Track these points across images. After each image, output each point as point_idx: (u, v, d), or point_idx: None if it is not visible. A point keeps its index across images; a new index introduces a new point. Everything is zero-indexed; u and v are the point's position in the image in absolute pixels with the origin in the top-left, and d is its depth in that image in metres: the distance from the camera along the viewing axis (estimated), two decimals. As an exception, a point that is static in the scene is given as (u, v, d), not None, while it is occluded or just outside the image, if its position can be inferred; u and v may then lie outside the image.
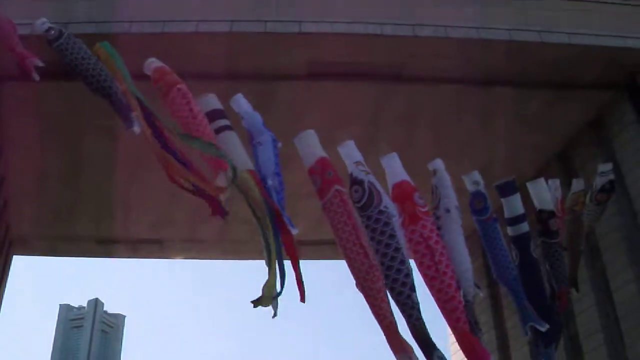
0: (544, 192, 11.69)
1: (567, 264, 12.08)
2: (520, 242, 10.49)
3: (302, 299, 7.84)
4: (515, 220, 10.68)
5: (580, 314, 19.25)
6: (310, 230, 23.27)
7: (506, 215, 10.63)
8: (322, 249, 24.37)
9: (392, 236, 8.01)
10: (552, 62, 17.84)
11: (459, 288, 8.80)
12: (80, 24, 16.46)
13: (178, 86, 9.47)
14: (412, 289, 7.93)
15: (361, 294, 7.89)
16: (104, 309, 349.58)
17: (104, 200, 23.21)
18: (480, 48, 17.29)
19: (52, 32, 11.18)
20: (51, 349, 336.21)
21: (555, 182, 13.50)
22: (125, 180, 21.31)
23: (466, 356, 8.15)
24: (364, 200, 8.20)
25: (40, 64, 11.70)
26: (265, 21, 16.61)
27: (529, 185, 11.58)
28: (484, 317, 25.09)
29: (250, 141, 9.52)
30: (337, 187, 8.18)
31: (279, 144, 9.48)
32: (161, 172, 9.68)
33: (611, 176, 13.97)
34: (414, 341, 7.79)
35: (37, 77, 11.60)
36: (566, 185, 13.92)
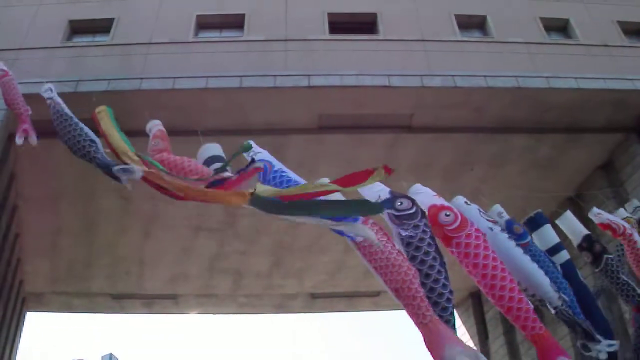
0: (575, 224, 11.60)
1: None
2: (566, 269, 10.27)
3: None
4: (555, 250, 10.50)
5: None
6: (323, 283, 23.25)
7: (542, 247, 10.45)
8: (335, 302, 24.32)
9: (431, 244, 8.07)
10: (560, 106, 17.90)
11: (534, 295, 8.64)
12: (91, 81, 16.73)
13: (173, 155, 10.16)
14: (449, 300, 7.84)
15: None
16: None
17: (118, 256, 23.28)
18: (488, 96, 17.38)
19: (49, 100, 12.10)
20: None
21: (594, 210, 13.19)
22: (139, 237, 21.37)
23: (542, 357, 7.96)
24: (413, 209, 8.27)
25: (34, 141, 12.49)
26: (275, 75, 16.78)
27: (558, 222, 11.47)
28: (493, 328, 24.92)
29: (265, 175, 9.65)
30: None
31: None
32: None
33: None
34: None
35: (33, 141, 12.37)
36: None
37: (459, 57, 18.26)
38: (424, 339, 7.34)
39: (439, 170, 19.58)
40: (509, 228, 10.29)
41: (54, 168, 17.30)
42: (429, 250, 8.03)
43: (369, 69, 17.20)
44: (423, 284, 7.79)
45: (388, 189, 8.72)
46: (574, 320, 8.88)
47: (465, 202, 9.85)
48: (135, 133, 12.59)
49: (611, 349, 9.30)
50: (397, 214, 8.30)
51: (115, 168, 9.73)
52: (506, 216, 10.79)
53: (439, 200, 9.06)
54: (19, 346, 25.70)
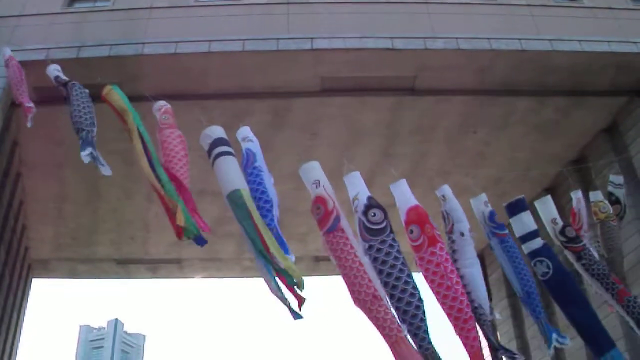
0: (551, 209, 11.77)
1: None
2: (544, 252, 10.61)
3: (299, 307, 8.25)
4: (532, 235, 10.81)
5: (603, 320, 19.01)
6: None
7: (520, 232, 10.81)
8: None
9: (397, 258, 8.49)
10: (564, 69, 17.83)
11: (475, 310, 9.11)
12: (93, 47, 16.69)
13: (179, 133, 10.77)
14: (418, 308, 8.33)
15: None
16: (124, 329, 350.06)
17: (123, 221, 23.38)
18: (492, 59, 17.31)
19: (60, 79, 12.58)
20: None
21: (577, 193, 13.57)
22: (143, 202, 21.43)
23: None
24: (383, 224, 8.62)
25: (29, 121, 12.90)
26: (277, 39, 16.72)
27: (537, 203, 11.67)
28: (505, 327, 25.00)
29: (246, 166, 10.02)
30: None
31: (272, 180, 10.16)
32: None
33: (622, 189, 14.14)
34: None
35: (29, 124, 12.87)
36: (583, 192, 13.93)
37: (462, 19, 18.17)
38: (393, 354, 7.95)
39: (442, 133, 19.58)
40: (491, 218, 10.80)
41: (57, 135, 17.32)
42: (395, 263, 8.43)
43: (372, 32, 17.12)
44: (391, 296, 8.31)
45: (368, 194, 8.98)
46: (496, 344, 9.33)
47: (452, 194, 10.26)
48: (138, 98, 12.62)
49: (562, 344, 10.11)
50: (368, 226, 8.65)
51: (85, 152, 11.19)
52: (490, 206, 11.07)
53: (412, 210, 9.27)
54: (26, 313, 25.93)
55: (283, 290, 8.50)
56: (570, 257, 11.62)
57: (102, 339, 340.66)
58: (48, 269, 26.70)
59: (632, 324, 11.36)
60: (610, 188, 14.95)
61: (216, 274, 28.10)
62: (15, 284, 23.26)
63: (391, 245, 8.51)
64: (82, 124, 11.59)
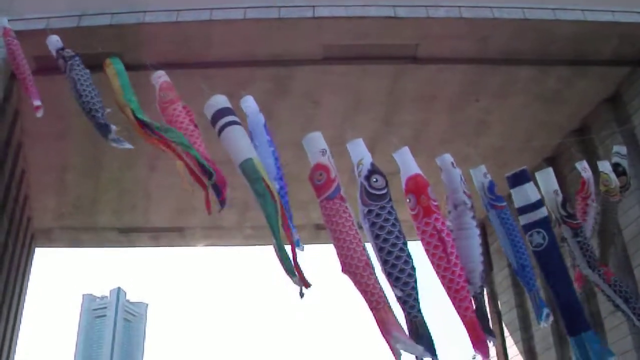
0: (553, 180, 11.76)
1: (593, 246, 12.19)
2: (541, 225, 10.66)
3: (306, 285, 8.29)
4: (534, 207, 10.84)
5: (612, 329, 19.09)
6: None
7: (522, 203, 10.85)
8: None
9: (395, 225, 8.59)
10: (567, 39, 17.75)
11: (468, 280, 9.28)
12: (94, 16, 16.62)
13: (183, 104, 10.74)
14: (410, 276, 8.42)
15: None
16: (127, 297, 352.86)
17: (125, 190, 23.44)
18: (494, 27, 17.24)
19: (61, 52, 12.52)
20: (76, 338, 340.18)
21: (583, 163, 13.51)
22: (145, 170, 21.48)
23: (473, 344, 8.65)
24: (384, 191, 8.75)
25: (39, 109, 12.91)
26: (279, 7, 16.64)
27: (537, 174, 11.67)
28: (505, 297, 25.17)
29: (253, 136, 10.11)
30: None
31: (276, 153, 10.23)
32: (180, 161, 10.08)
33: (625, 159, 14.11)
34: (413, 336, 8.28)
35: (40, 114, 12.86)
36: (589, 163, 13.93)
37: (465, -13, 18.05)
38: (377, 323, 8.09)
39: (444, 101, 19.57)
40: (490, 190, 10.81)
41: (59, 105, 17.27)
42: (393, 230, 8.53)
43: (374, 0, 17.03)
44: (385, 262, 8.42)
45: (371, 160, 9.07)
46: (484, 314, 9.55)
47: (452, 164, 10.28)
48: (138, 67, 12.61)
49: (544, 324, 10.29)
50: (370, 191, 8.78)
51: (111, 136, 11.17)
52: (489, 177, 11.11)
53: (411, 179, 9.35)
54: (29, 282, 26.12)
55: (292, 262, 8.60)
56: (567, 233, 11.60)
57: (105, 307, 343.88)
58: (51, 239, 26.83)
59: (619, 302, 11.47)
60: (616, 159, 14.85)
61: (218, 242, 28.21)
62: (19, 254, 23.37)
63: (390, 212, 8.62)
64: (95, 104, 11.54)
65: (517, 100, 19.59)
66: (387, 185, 8.83)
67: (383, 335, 8.04)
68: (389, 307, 8.17)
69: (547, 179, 11.66)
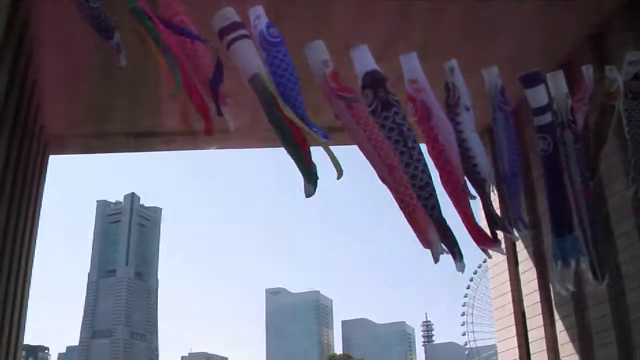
0: (563, 83, 11.71)
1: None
2: (550, 129, 10.82)
3: (339, 175, 8.30)
4: (543, 110, 10.94)
5: (612, 197, 19.23)
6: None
7: (532, 105, 10.96)
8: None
9: (410, 130, 8.96)
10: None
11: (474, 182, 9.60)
12: None
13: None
14: (430, 178, 8.89)
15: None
16: (141, 202, 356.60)
17: (137, 94, 23.34)
18: None
19: None
20: (91, 244, 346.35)
21: (589, 69, 13.37)
22: (157, 74, 21.37)
23: (475, 242, 9.22)
24: (396, 97, 8.89)
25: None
26: None
27: (549, 76, 11.61)
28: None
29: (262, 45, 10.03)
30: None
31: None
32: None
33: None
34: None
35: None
36: (599, 70, 13.80)
37: None
38: (409, 223, 8.49)
39: (458, 4, 19.29)
40: (502, 92, 10.90)
41: (68, 12, 17.09)
42: (410, 134, 8.90)
43: None
44: (407, 164, 8.77)
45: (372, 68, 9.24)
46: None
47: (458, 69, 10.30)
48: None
49: (517, 235, 10.60)
50: (385, 97, 9.02)
51: (113, 41, 10.85)
52: (501, 80, 11.22)
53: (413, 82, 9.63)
54: (44, 190, 26.47)
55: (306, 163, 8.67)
56: (568, 138, 11.68)
57: (119, 213, 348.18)
58: (64, 146, 27.05)
59: (585, 218, 11.68)
60: (629, 67, 14.68)
61: (231, 144, 28.15)
62: (33, 162, 23.64)
63: (404, 118, 8.91)
64: (98, 8, 11.35)
65: (532, 5, 19.29)
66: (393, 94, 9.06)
67: (419, 236, 8.47)
68: (419, 205, 8.54)
69: (558, 81, 11.64)
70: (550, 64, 20.96)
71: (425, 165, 8.83)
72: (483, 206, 9.80)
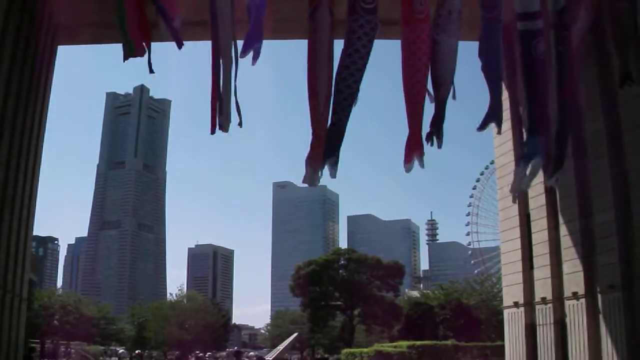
0: None
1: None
2: (526, 37, 10.93)
3: None
4: (530, 17, 10.94)
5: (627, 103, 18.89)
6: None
7: (518, 10, 10.95)
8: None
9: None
10: None
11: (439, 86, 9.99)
12: None
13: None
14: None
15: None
16: (150, 95, 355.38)
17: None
18: None
19: None
20: (100, 136, 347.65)
21: None
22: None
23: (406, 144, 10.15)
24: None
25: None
26: None
27: None
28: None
29: None
30: None
31: None
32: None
33: None
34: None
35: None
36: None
37: None
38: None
39: None
40: None
41: None
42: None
43: None
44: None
45: None
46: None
47: None
48: None
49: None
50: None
51: None
52: None
53: None
54: (53, 81, 26.28)
55: None
56: (553, 40, 11.61)
57: (129, 105, 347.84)
58: (73, 35, 26.61)
59: (554, 118, 11.72)
60: None
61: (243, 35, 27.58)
62: (41, 52, 23.44)
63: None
64: None
65: None
66: None
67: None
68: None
69: None
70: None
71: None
72: (435, 113, 10.28)
